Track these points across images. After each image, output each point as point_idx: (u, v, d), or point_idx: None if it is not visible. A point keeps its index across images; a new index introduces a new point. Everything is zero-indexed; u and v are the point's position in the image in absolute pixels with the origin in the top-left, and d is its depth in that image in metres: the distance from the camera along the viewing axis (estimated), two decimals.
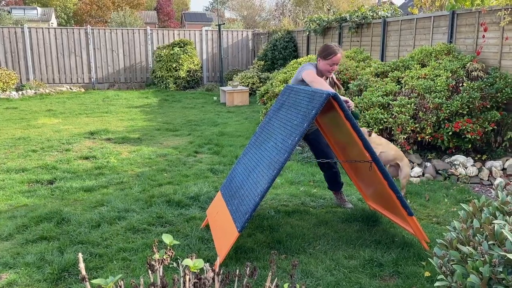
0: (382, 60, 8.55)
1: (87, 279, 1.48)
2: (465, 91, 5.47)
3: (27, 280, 2.91)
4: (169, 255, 1.65)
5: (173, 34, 15.63)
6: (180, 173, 5.39)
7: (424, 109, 5.52)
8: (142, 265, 3.07)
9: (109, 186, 4.92)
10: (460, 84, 5.69)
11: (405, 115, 5.53)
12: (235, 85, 11.64)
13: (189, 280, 1.56)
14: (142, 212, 4.09)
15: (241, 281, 1.67)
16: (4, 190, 4.75)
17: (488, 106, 5.48)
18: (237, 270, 1.70)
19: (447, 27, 6.84)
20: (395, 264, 3.12)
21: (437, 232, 3.65)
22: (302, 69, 3.91)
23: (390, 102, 5.85)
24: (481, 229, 2.16)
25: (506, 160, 5.43)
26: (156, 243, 1.69)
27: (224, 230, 3.19)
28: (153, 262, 1.60)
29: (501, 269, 1.86)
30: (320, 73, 3.95)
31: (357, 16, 9.59)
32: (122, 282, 1.48)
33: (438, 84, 5.65)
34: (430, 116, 5.42)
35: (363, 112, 6.01)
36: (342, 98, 3.52)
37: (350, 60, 7.99)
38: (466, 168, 5.28)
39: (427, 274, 2.94)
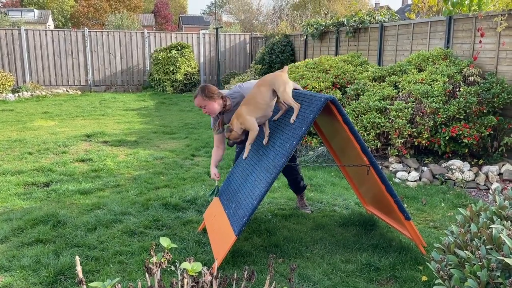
0: (379, 65, 8.58)
1: (84, 282, 1.47)
2: (462, 96, 5.50)
3: (23, 283, 2.89)
4: (166, 258, 1.65)
5: (171, 37, 15.64)
6: (177, 176, 5.37)
7: (421, 114, 5.53)
8: (138, 268, 3.06)
9: (106, 189, 4.90)
10: (457, 89, 5.72)
11: (402, 119, 5.54)
12: None
13: (187, 283, 1.55)
14: (138, 215, 4.07)
15: (238, 284, 1.67)
16: (0, 193, 4.72)
17: (484, 111, 5.50)
18: (235, 274, 1.70)
19: (444, 32, 6.88)
20: (392, 269, 3.12)
21: (434, 237, 3.65)
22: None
23: (387, 106, 5.87)
24: (478, 234, 2.16)
25: (503, 165, 5.45)
26: (154, 246, 1.68)
27: (221, 234, 3.17)
28: (150, 265, 1.59)
29: (498, 274, 1.86)
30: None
31: (355, 20, 9.63)
32: (119, 285, 1.47)
33: (435, 88, 5.67)
34: (427, 121, 5.44)
35: (360, 116, 6.02)
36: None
37: (348, 64, 8.01)
38: (462, 172, 5.29)
39: (424, 278, 2.94)
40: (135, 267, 3.08)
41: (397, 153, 5.68)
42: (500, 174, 5.35)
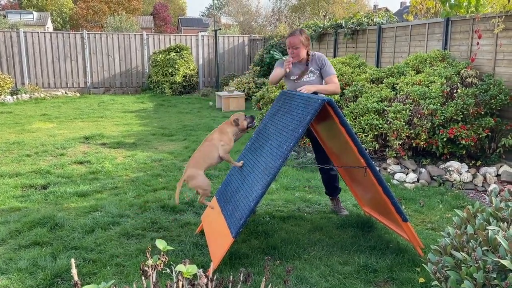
0: (377, 66, 8.59)
1: (79, 285, 1.46)
2: (460, 98, 5.50)
3: (19, 286, 2.88)
4: (162, 261, 1.65)
5: (169, 39, 15.65)
6: (175, 178, 5.37)
7: (419, 115, 5.54)
8: (136, 270, 3.05)
9: (104, 191, 4.89)
10: (455, 91, 5.73)
11: (400, 121, 5.55)
12: (231, 90, 11.65)
13: (183, 286, 1.55)
14: (136, 217, 4.07)
15: (234, 287, 1.66)
16: None
17: (482, 112, 5.51)
18: (231, 276, 1.70)
19: (442, 34, 6.89)
20: (389, 270, 3.12)
21: (431, 238, 3.65)
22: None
23: (385, 108, 5.87)
24: (475, 235, 2.16)
25: (500, 166, 5.46)
26: (150, 248, 1.68)
27: (219, 236, 3.17)
28: (146, 268, 1.59)
29: (495, 275, 1.86)
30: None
31: (353, 22, 9.64)
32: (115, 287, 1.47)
33: (433, 90, 5.68)
34: (425, 122, 5.45)
35: (359, 118, 6.03)
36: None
37: (346, 66, 8.02)
38: (460, 174, 5.30)
39: (421, 280, 2.94)
40: (132, 270, 3.08)
41: (395, 155, 5.68)
42: (498, 175, 5.35)
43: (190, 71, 14.79)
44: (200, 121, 9.75)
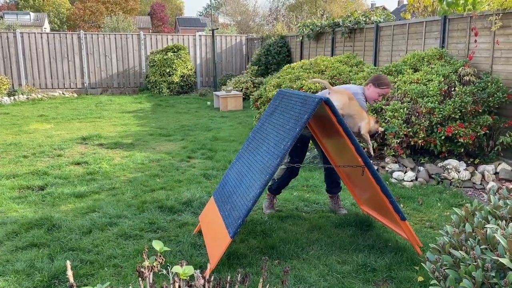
0: (375, 65, 8.58)
1: (75, 287, 1.45)
2: (457, 96, 5.50)
3: None
4: (159, 261, 1.63)
5: (167, 39, 15.63)
6: (173, 178, 5.36)
7: (417, 114, 5.54)
8: (133, 271, 3.03)
9: (101, 192, 4.88)
10: (452, 89, 5.72)
11: (398, 119, 5.54)
12: (228, 90, 11.64)
13: (179, 287, 1.54)
14: (134, 218, 4.05)
15: (232, 287, 1.65)
16: None
17: (480, 110, 5.51)
18: (229, 277, 1.68)
19: (439, 32, 6.89)
20: (388, 269, 3.11)
21: (430, 237, 3.64)
22: (358, 97, 3.89)
23: (383, 106, 5.87)
24: (473, 234, 2.15)
25: (499, 164, 5.46)
26: (147, 249, 1.67)
27: (217, 236, 3.16)
28: (142, 269, 1.57)
29: (493, 274, 1.85)
30: (364, 98, 3.98)
31: (350, 21, 9.64)
32: None
33: (431, 88, 5.68)
34: (423, 121, 5.44)
35: None
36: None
37: (343, 65, 8.01)
38: (458, 172, 5.29)
39: (420, 279, 2.93)
40: (130, 271, 3.06)
41: (393, 153, 5.67)
42: (496, 173, 5.35)
43: (188, 71, 14.77)
44: (198, 121, 9.74)
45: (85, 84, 14.79)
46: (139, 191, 4.87)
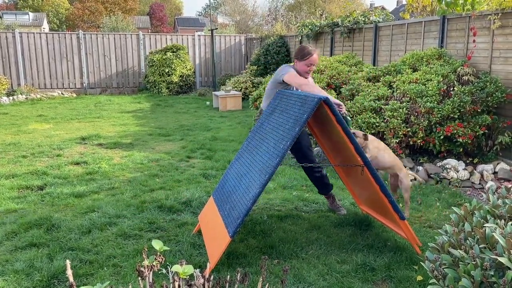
0: (374, 65, 8.59)
1: (75, 287, 1.45)
2: (456, 96, 5.51)
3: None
4: (159, 261, 1.63)
5: (166, 39, 15.62)
6: (172, 178, 5.36)
7: (416, 113, 5.54)
8: (133, 271, 3.04)
9: (100, 192, 4.88)
10: (451, 89, 5.73)
11: (397, 119, 5.55)
12: (228, 90, 11.64)
13: (179, 286, 1.54)
14: (133, 218, 4.05)
15: (232, 287, 1.65)
16: None
17: (479, 110, 5.52)
18: (228, 276, 1.69)
19: (438, 32, 6.90)
20: (387, 269, 3.11)
21: (429, 236, 3.65)
22: (283, 71, 3.88)
23: (382, 106, 5.87)
24: (472, 233, 2.16)
25: (497, 163, 5.47)
26: (146, 249, 1.67)
27: (216, 236, 3.16)
28: (142, 269, 1.57)
29: (492, 273, 1.86)
30: (295, 72, 3.92)
31: (349, 21, 9.64)
32: None
33: (430, 88, 5.68)
34: (422, 120, 5.45)
35: (356, 117, 6.02)
36: (335, 101, 3.52)
37: (342, 64, 8.02)
38: (457, 171, 5.30)
39: (419, 278, 2.93)
40: (129, 270, 3.06)
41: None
42: (495, 173, 5.36)
43: (187, 70, 14.76)
44: (197, 121, 9.74)
45: (84, 84, 14.78)
46: (139, 191, 4.87)
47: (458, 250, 2.08)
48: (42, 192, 4.87)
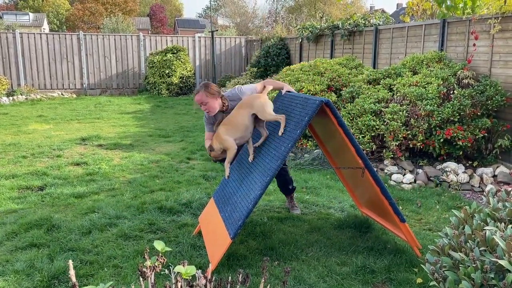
0: (374, 68, 8.61)
1: (77, 287, 1.46)
2: (456, 99, 5.52)
3: None
4: (160, 262, 1.64)
5: (166, 40, 15.64)
6: (172, 179, 5.36)
7: (416, 116, 5.56)
8: (133, 272, 3.04)
9: (100, 193, 4.88)
10: (451, 92, 5.75)
11: (397, 122, 5.56)
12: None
13: (181, 287, 1.55)
14: (133, 218, 4.06)
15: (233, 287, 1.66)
16: None
17: (478, 113, 5.53)
18: (230, 277, 1.69)
19: (438, 35, 6.92)
20: (387, 271, 3.12)
21: (429, 239, 3.66)
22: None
23: (382, 109, 5.89)
24: (472, 236, 2.17)
25: (497, 167, 5.48)
26: (148, 249, 1.68)
27: (217, 237, 3.17)
28: (144, 269, 1.58)
29: (492, 275, 1.87)
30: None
31: (349, 24, 9.67)
32: None
33: (430, 91, 5.70)
34: (422, 123, 5.46)
35: (356, 119, 6.04)
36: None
37: (343, 67, 8.03)
38: (457, 175, 5.31)
39: (419, 280, 2.94)
40: (129, 271, 3.07)
41: (392, 156, 5.69)
42: (494, 176, 5.37)
43: (187, 72, 14.78)
44: (197, 122, 9.74)
45: (84, 85, 14.78)
46: (139, 192, 4.88)
47: (459, 253, 2.09)
48: (42, 192, 4.88)
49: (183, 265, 1.54)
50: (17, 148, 6.93)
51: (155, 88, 14.53)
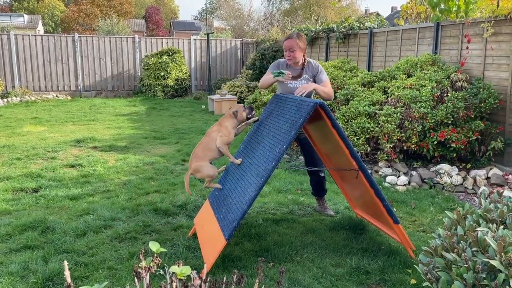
0: (368, 70, 8.66)
1: (72, 287, 1.46)
2: (450, 101, 5.57)
3: None
4: (155, 262, 1.65)
5: (162, 42, 15.64)
6: (167, 181, 5.36)
7: (410, 119, 5.59)
8: (128, 274, 3.04)
9: (95, 195, 4.87)
10: (445, 94, 5.79)
11: (391, 124, 5.60)
12: (223, 94, 11.66)
13: (176, 287, 1.55)
14: (128, 220, 4.05)
15: None
16: None
17: (472, 116, 5.58)
18: (224, 278, 1.70)
19: (432, 38, 6.98)
20: (381, 272, 3.14)
21: (423, 240, 3.68)
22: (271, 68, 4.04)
23: (377, 111, 5.92)
24: (465, 236, 2.19)
25: (490, 169, 5.53)
26: (143, 250, 1.68)
27: (211, 239, 3.18)
28: (139, 270, 1.59)
29: (484, 276, 1.89)
30: (278, 66, 4.01)
31: (344, 26, 9.72)
32: None
33: (423, 94, 5.74)
34: (416, 126, 5.50)
35: (350, 121, 6.07)
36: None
37: (337, 70, 8.07)
38: (451, 176, 5.35)
39: (413, 281, 2.96)
40: (124, 273, 3.07)
41: (386, 158, 5.72)
42: (487, 178, 5.42)
43: (183, 74, 14.78)
44: (192, 124, 9.75)
45: (79, 87, 14.75)
46: (134, 194, 4.87)
47: (451, 254, 2.11)
48: (36, 194, 4.86)
49: (178, 265, 1.55)
50: (12, 150, 6.90)
51: (150, 90, 14.52)
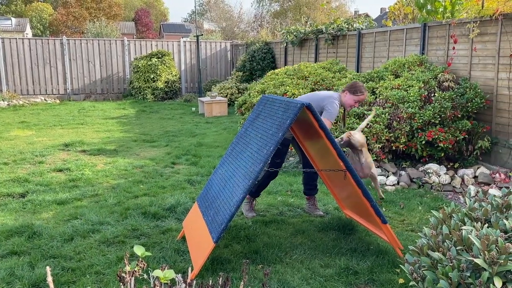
0: (357, 71, 8.70)
1: None
2: (437, 101, 5.62)
3: None
4: (140, 266, 1.64)
5: (151, 44, 15.57)
6: (156, 184, 5.33)
7: (398, 119, 5.63)
8: (115, 278, 3.01)
9: (83, 199, 4.83)
10: (432, 95, 5.84)
11: (380, 124, 5.63)
12: (213, 96, 11.65)
13: None
14: (117, 224, 4.02)
15: None
16: None
17: (459, 115, 5.63)
18: (210, 281, 1.70)
19: (419, 39, 7.04)
20: (370, 272, 3.15)
21: (411, 240, 3.70)
22: (329, 104, 4.03)
23: (365, 112, 5.95)
24: (450, 235, 2.21)
25: (478, 168, 5.58)
26: (128, 255, 1.67)
27: (200, 241, 3.16)
28: (123, 274, 1.58)
29: (469, 274, 1.90)
30: (339, 103, 4.11)
31: (333, 28, 9.76)
32: None
33: (411, 94, 5.79)
34: (404, 126, 5.54)
35: (339, 122, 6.09)
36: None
37: (326, 71, 8.10)
38: (439, 176, 5.39)
39: (401, 281, 2.98)
40: (112, 277, 3.04)
41: (375, 158, 5.75)
42: (475, 177, 5.47)
43: (172, 76, 14.73)
44: (182, 126, 9.71)
45: (67, 90, 14.62)
46: (122, 197, 4.84)
47: (437, 253, 2.13)
48: (23, 199, 4.80)
49: (162, 269, 1.54)
50: None
51: (140, 93, 14.44)
